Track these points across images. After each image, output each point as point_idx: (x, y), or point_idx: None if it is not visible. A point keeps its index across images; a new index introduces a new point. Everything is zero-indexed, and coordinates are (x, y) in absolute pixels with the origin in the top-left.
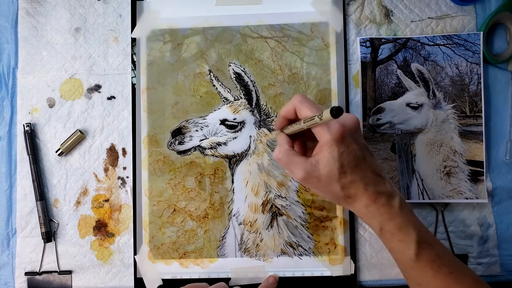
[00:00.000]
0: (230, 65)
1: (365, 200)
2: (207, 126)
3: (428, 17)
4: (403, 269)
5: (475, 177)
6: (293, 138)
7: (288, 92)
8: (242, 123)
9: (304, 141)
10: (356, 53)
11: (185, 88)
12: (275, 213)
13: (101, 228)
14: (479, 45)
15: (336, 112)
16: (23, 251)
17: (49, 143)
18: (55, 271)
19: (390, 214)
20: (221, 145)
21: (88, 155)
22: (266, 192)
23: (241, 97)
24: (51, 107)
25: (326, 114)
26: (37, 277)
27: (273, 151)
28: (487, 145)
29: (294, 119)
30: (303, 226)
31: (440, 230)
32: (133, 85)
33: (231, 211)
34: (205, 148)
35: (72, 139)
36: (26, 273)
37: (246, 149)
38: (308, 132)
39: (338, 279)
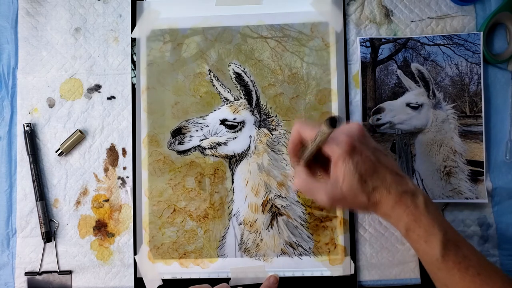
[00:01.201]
0: (230, 65)
1: (391, 202)
2: (207, 126)
3: (428, 17)
4: (430, 270)
5: (475, 177)
6: (312, 166)
7: (288, 92)
8: (242, 123)
9: (324, 167)
10: (356, 53)
11: (185, 88)
12: (275, 213)
13: (101, 228)
14: (479, 45)
15: (331, 122)
16: (23, 251)
17: (49, 143)
18: (55, 271)
19: (416, 214)
20: (221, 145)
21: (88, 155)
22: (266, 192)
23: (241, 97)
24: (51, 107)
25: (323, 127)
26: (37, 277)
27: (293, 183)
28: (487, 145)
29: (303, 147)
30: (303, 226)
31: None
32: (133, 85)
33: (231, 211)
34: (205, 148)
35: (72, 139)
36: (26, 273)
37: (246, 149)
38: (324, 159)
39: (338, 279)
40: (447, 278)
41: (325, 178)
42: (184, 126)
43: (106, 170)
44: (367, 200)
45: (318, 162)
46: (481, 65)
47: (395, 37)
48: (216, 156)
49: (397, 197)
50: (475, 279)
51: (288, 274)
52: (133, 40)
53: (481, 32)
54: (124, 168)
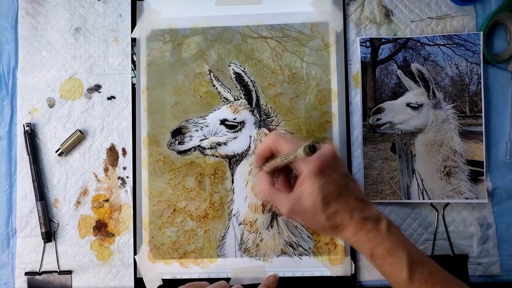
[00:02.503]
0: (230, 65)
1: (352, 228)
2: (207, 126)
3: (428, 17)
4: None
5: (475, 177)
6: (277, 172)
7: (288, 92)
8: (242, 123)
9: (287, 175)
10: (356, 53)
11: (185, 88)
12: (275, 213)
13: (101, 228)
14: (479, 45)
15: (309, 150)
16: (23, 251)
17: (49, 143)
18: (55, 271)
19: (378, 238)
20: (221, 145)
21: (88, 155)
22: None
23: (241, 97)
24: (51, 107)
25: (300, 151)
26: (37, 277)
27: (255, 191)
28: (487, 145)
29: (271, 156)
30: (303, 226)
31: (440, 230)
32: (133, 85)
33: (231, 211)
34: (205, 148)
35: (72, 139)
36: (26, 273)
37: (246, 149)
38: (289, 167)
39: (338, 279)
40: None
41: (284, 188)
42: (184, 126)
43: (106, 170)
44: (326, 221)
45: (283, 170)
46: (481, 65)
47: (395, 37)
48: (216, 156)
49: (360, 223)
50: None
51: (288, 274)
52: (133, 40)
53: (481, 32)
54: (124, 168)
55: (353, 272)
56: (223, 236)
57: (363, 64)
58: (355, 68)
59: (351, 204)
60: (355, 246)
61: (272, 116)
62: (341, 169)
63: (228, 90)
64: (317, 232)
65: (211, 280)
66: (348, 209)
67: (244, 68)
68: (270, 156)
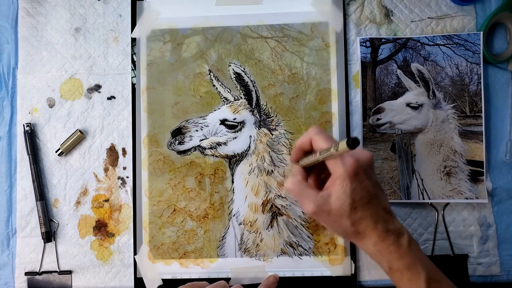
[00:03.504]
0: (230, 65)
1: (374, 238)
2: (207, 126)
3: (428, 17)
4: None
5: (475, 177)
6: (308, 171)
7: (288, 92)
8: (242, 123)
9: (319, 175)
10: (356, 53)
11: (185, 88)
12: (275, 213)
13: (101, 228)
14: (479, 45)
15: (352, 143)
16: (23, 251)
17: (49, 143)
18: (55, 271)
19: (399, 253)
20: (221, 145)
21: (88, 155)
22: (266, 192)
23: (241, 97)
24: (51, 107)
25: (342, 145)
26: (37, 277)
27: (286, 181)
28: (487, 145)
29: (310, 151)
30: (303, 226)
31: (440, 230)
32: (133, 85)
33: (231, 211)
34: (205, 148)
35: (72, 139)
36: (26, 273)
37: (246, 149)
38: (322, 166)
39: (338, 279)
40: None
41: (314, 186)
42: (184, 126)
43: (106, 170)
44: (350, 226)
45: (312, 169)
46: (481, 65)
47: (395, 37)
48: (216, 156)
49: (382, 234)
50: None
51: (288, 274)
52: (133, 40)
53: (481, 32)
54: (124, 168)
55: (353, 272)
56: (223, 236)
57: (363, 64)
58: (355, 68)
59: (378, 214)
60: (374, 257)
61: (272, 116)
62: (373, 177)
63: (228, 90)
64: (337, 235)
65: (211, 280)
66: (373, 218)
67: (244, 68)
68: (309, 150)
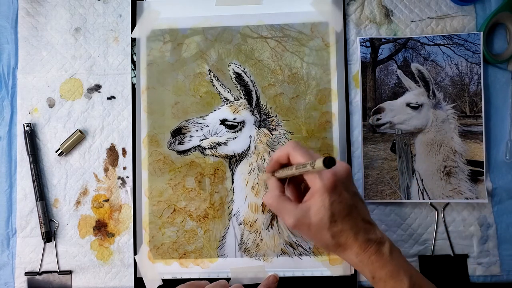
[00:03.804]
0: (230, 65)
1: (356, 249)
2: (207, 126)
3: (428, 17)
4: None
5: (475, 177)
6: (285, 181)
7: (288, 92)
8: (242, 123)
9: (296, 185)
10: (356, 53)
11: (185, 88)
12: (275, 213)
13: (101, 228)
14: (479, 45)
15: (328, 163)
16: (23, 251)
17: (49, 143)
18: (55, 271)
19: (381, 262)
20: (221, 145)
21: (88, 155)
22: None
23: (241, 97)
24: (51, 107)
25: (319, 163)
26: (37, 277)
27: (264, 196)
28: (487, 145)
29: (286, 164)
30: None
31: (440, 230)
32: (133, 85)
33: (231, 211)
34: (205, 148)
35: (72, 139)
36: (26, 273)
37: (246, 149)
38: (300, 176)
39: (338, 279)
40: None
41: (292, 199)
42: (184, 126)
43: (106, 170)
44: (331, 238)
45: (290, 180)
46: (481, 65)
47: (395, 37)
48: (216, 156)
49: (364, 244)
50: None
51: (288, 274)
52: (133, 40)
53: (481, 32)
54: (124, 168)
55: (353, 272)
56: (223, 236)
57: (363, 64)
58: (355, 68)
59: (357, 225)
60: (357, 267)
61: (272, 116)
62: (352, 188)
63: (228, 90)
64: (319, 247)
65: (211, 280)
66: (354, 230)
67: (244, 68)
68: (286, 163)
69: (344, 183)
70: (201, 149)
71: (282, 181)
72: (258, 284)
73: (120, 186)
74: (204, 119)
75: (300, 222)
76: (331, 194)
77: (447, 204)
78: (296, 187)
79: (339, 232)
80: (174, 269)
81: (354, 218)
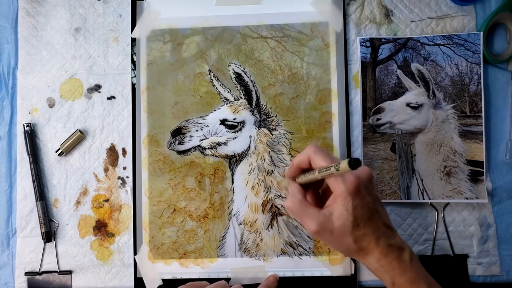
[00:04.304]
0: (230, 65)
1: (377, 254)
2: (207, 126)
3: (428, 17)
4: None
5: (475, 177)
6: (306, 187)
7: (288, 92)
8: (242, 123)
9: (316, 190)
10: (356, 53)
11: (185, 88)
12: (275, 213)
13: (101, 228)
14: (479, 45)
15: (354, 164)
16: (23, 251)
17: (49, 143)
18: (55, 271)
19: (401, 268)
20: (221, 145)
21: (88, 155)
22: (266, 192)
23: (241, 97)
24: (51, 107)
25: (344, 165)
26: (37, 277)
27: (285, 201)
28: (487, 145)
29: (308, 169)
30: (303, 226)
31: (440, 230)
32: (133, 85)
33: (231, 211)
34: (205, 148)
35: (72, 139)
36: (26, 273)
37: (246, 149)
38: (319, 182)
39: (338, 279)
40: None
41: (313, 204)
42: (184, 126)
43: (106, 170)
44: (353, 243)
45: (309, 185)
46: (481, 65)
47: (395, 37)
48: (216, 156)
49: (385, 249)
50: None
51: (288, 274)
52: (133, 40)
53: (481, 32)
54: (124, 168)
55: (353, 272)
56: (223, 236)
57: (363, 64)
58: (355, 68)
59: (379, 229)
60: (377, 273)
61: (272, 116)
62: (374, 192)
63: (228, 90)
64: (340, 252)
65: (211, 280)
66: (376, 235)
67: (244, 68)
68: (306, 168)
69: (366, 187)
70: (201, 149)
71: (303, 187)
72: (258, 284)
73: (120, 186)
74: (204, 119)
75: (323, 227)
76: (354, 197)
77: (447, 204)
78: (315, 192)
79: (362, 236)
80: (174, 269)
81: (376, 223)
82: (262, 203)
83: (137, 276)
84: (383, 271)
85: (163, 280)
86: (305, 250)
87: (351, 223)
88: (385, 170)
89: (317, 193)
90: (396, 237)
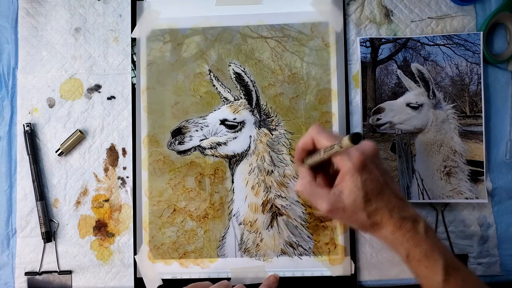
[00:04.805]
0: (230, 65)
1: (391, 227)
2: (207, 126)
3: (428, 17)
4: None
5: (475, 177)
6: (315, 170)
7: (288, 92)
8: (242, 123)
9: (326, 172)
10: (356, 53)
11: (185, 88)
12: (275, 213)
13: (101, 228)
14: (479, 45)
15: (355, 138)
16: (23, 251)
17: (49, 143)
18: (55, 271)
19: (416, 240)
20: (221, 145)
21: (88, 155)
22: (266, 192)
23: (241, 97)
24: (51, 107)
25: (346, 141)
26: (37, 277)
27: (295, 184)
28: (487, 145)
29: (313, 150)
30: (303, 226)
31: (440, 230)
32: (133, 85)
33: (231, 211)
34: (205, 148)
35: (72, 139)
36: (26, 273)
37: (246, 149)
38: (328, 163)
39: (338, 279)
40: None
41: (323, 185)
42: (184, 126)
43: (106, 170)
44: (366, 218)
45: (319, 168)
46: (481, 65)
47: (395, 37)
48: (216, 156)
49: (399, 222)
50: None
51: (288, 274)
52: (133, 40)
53: (481, 32)
54: (124, 168)
55: (353, 272)
56: (223, 236)
57: (363, 64)
58: (355, 68)
59: (391, 202)
60: (391, 246)
61: (272, 116)
62: (381, 166)
63: (228, 90)
64: (355, 229)
65: (212, 280)
66: (388, 207)
67: (244, 68)
68: (312, 150)
69: (373, 161)
70: (201, 149)
71: (312, 169)
72: (259, 284)
73: (120, 186)
74: (204, 119)
75: (335, 206)
76: (361, 173)
77: (447, 204)
78: (325, 173)
79: (374, 210)
80: (174, 269)
81: (387, 195)
82: (262, 203)
83: (137, 276)
84: (398, 244)
85: (163, 280)
86: (305, 250)
87: (362, 198)
88: None
89: (328, 174)
90: (409, 208)
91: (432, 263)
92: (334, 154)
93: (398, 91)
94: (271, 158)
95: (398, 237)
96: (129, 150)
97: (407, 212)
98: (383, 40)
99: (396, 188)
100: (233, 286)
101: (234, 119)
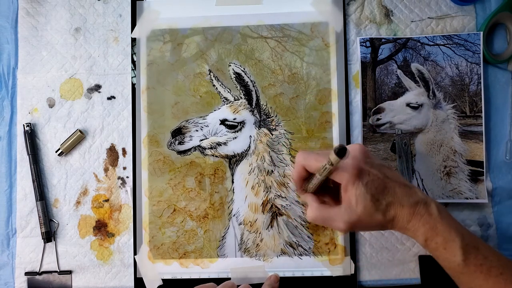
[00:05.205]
0: (230, 65)
1: (406, 216)
2: (207, 126)
3: (428, 17)
4: (453, 275)
5: (475, 177)
6: (320, 190)
7: (288, 92)
8: (242, 123)
9: (330, 189)
10: (356, 53)
11: (185, 88)
12: (275, 213)
13: (101, 228)
14: (479, 45)
15: (339, 152)
16: (23, 251)
17: (49, 143)
18: (55, 271)
19: (432, 222)
20: (221, 145)
21: (88, 155)
22: (266, 192)
23: (241, 97)
24: (51, 107)
25: (333, 157)
26: (37, 277)
27: (306, 214)
28: (487, 145)
29: (309, 176)
30: (303, 226)
31: None
32: (133, 85)
33: (231, 211)
34: (205, 148)
35: (72, 139)
36: (26, 273)
37: (246, 149)
38: (328, 179)
39: (338, 279)
40: (471, 281)
41: (333, 204)
42: (184, 126)
43: (106, 170)
44: (382, 217)
45: (322, 188)
46: (481, 65)
47: (395, 37)
48: (216, 156)
49: (411, 209)
50: (499, 279)
51: (288, 274)
52: (133, 40)
53: (481, 32)
54: (124, 168)
55: (353, 272)
56: (223, 236)
57: (363, 64)
58: (355, 68)
59: (398, 192)
60: (410, 234)
61: (272, 116)
62: (375, 161)
63: (228, 90)
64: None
65: (213, 280)
66: (397, 199)
67: (244, 68)
68: (307, 176)
69: (366, 161)
70: (201, 149)
71: (316, 192)
72: (259, 284)
73: (120, 186)
74: (204, 119)
75: (350, 221)
76: (361, 178)
77: (447, 204)
78: (330, 190)
79: (386, 207)
80: (174, 269)
81: (392, 188)
82: (262, 203)
83: (137, 276)
84: (415, 230)
85: (163, 280)
86: (305, 250)
87: (370, 201)
88: None
89: (334, 189)
90: (417, 192)
91: (449, 244)
92: (329, 173)
93: (398, 91)
94: (271, 158)
95: (414, 223)
96: (129, 150)
97: (416, 197)
98: (383, 40)
99: (397, 176)
100: (238, 286)
101: (234, 119)
